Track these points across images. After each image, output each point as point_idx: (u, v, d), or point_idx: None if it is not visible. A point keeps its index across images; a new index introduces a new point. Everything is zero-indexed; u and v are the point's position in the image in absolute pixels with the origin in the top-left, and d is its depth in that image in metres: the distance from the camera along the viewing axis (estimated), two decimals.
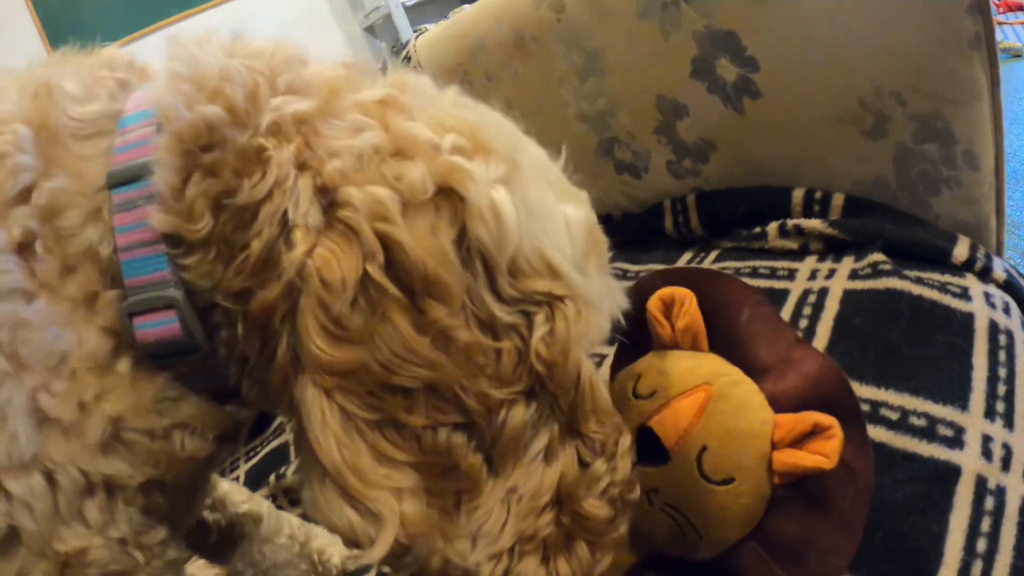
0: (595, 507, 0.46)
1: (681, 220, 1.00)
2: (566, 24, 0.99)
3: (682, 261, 0.96)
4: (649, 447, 0.53)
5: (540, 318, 0.43)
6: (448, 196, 0.41)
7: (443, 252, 0.40)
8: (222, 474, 1.14)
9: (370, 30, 3.44)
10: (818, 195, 0.86)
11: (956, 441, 0.59)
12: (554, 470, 0.45)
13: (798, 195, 0.88)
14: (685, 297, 0.57)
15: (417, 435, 0.42)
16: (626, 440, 0.49)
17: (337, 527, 0.42)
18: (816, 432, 0.50)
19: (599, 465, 0.47)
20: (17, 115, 0.45)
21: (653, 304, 0.58)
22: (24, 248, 0.43)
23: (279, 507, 0.96)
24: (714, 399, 0.52)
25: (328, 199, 0.41)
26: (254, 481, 1.08)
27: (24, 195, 0.43)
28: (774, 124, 0.86)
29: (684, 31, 0.86)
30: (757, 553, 0.52)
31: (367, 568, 0.82)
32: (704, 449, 0.50)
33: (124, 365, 0.45)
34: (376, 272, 0.39)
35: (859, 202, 0.84)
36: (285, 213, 0.41)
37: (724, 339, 0.57)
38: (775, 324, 0.58)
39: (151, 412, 0.46)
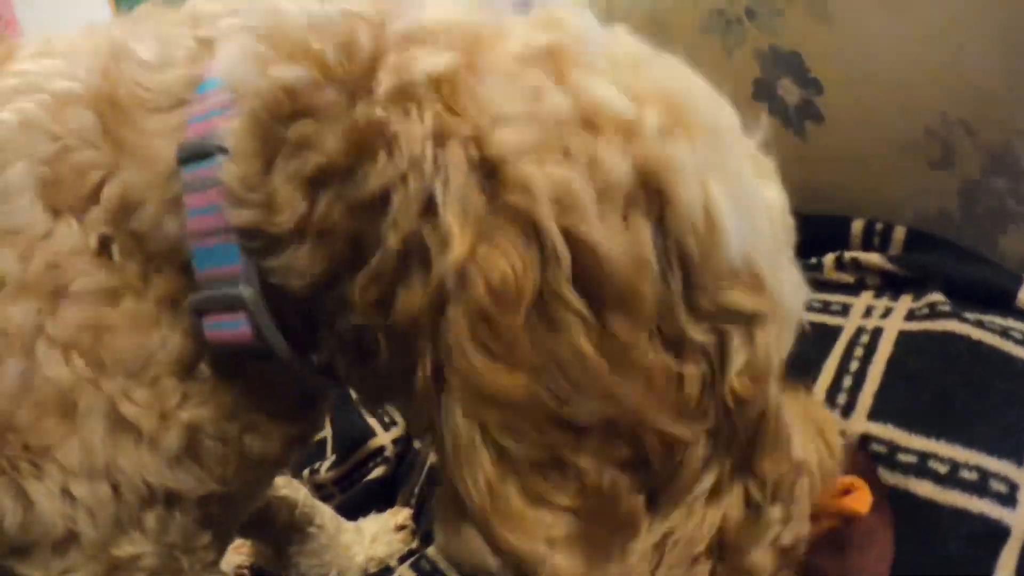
0: (761, 559, 0.39)
1: None
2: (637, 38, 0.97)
3: None
4: None
5: (737, 342, 0.35)
6: (649, 188, 0.33)
7: (643, 259, 0.32)
8: None
9: None
10: (879, 227, 0.83)
11: (1009, 499, 0.56)
12: (716, 512, 0.38)
13: (857, 226, 0.84)
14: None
15: (580, 475, 0.35)
16: (806, 483, 0.42)
17: (477, 569, 0.38)
18: (850, 491, 0.51)
19: (773, 511, 0.40)
20: (82, 95, 0.40)
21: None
22: (104, 250, 0.40)
23: None
24: None
25: (492, 178, 0.32)
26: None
27: (95, 194, 0.39)
28: (836, 150, 0.83)
29: (747, 49, 0.83)
30: None
31: (390, 571, 0.81)
32: None
33: (206, 368, 0.42)
34: (561, 282, 0.31)
35: (921, 236, 0.80)
36: (431, 197, 0.33)
37: None
38: None
39: (229, 418, 0.43)
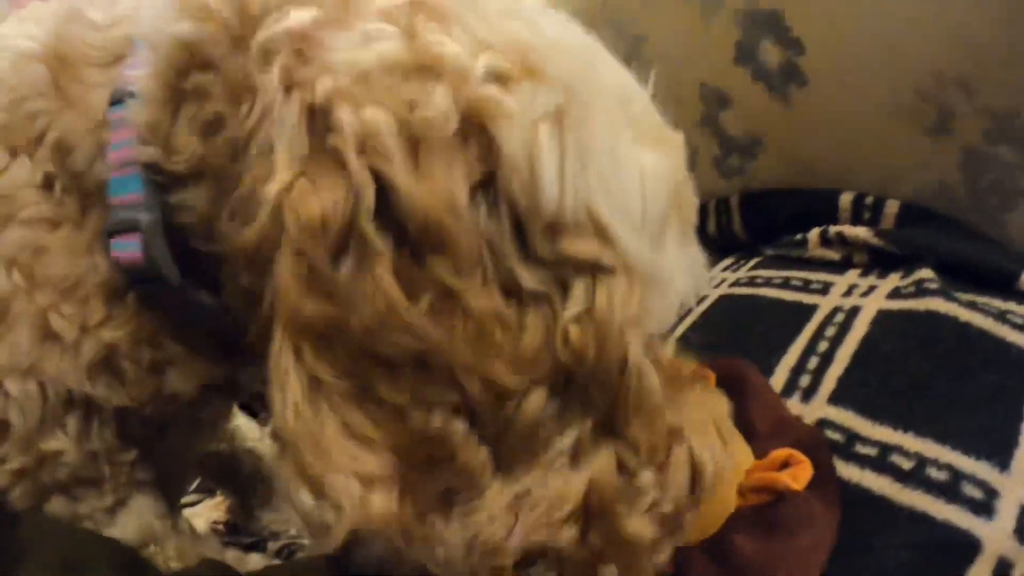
0: (639, 527, 0.36)
1: (724, 221, 0.85)
2: (611, 8, 0.86)
3: (719, 268, 0.82)
4: None
5: (578, 291, 0.33)
6: (473, 132, 0.32)
7: (451, 198, 0.31)
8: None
9: None
10: (869, 200, 0.70)
11: (984, 507, 0.43)
12: (582, 476, 0.35)
13: (846, 199, 0.71)
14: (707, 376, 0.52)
15: (403, 413, 0.33)
16: (684, 450, 0.39)
17: (294, 508, 0.34)
18: (789, 464, 0.45)
19: (646, 476, 0.37)
20: (38, 52, 0.43)
21: None
22: (48, 186, 0.42)
23: None
24: None
25: (320, 123, 0.32)
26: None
27: (42, 137, 0.42)
28: (823, 117, 0.70)
29: (726, 13, 0.71)
30: (705, 561, 0.44)
31: None
32: None
33: (132, 298, 0.43)
34: (362, 217, 0.31)
35: (916, 211, 0.67)
36: (272, 141, 0.33)
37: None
38: (777, 404, 0.53)
39: (145, 344, 0.45)
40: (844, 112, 0.68)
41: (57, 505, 0.49)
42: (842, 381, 0.53)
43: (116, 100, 0.40)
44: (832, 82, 0.67)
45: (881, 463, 0.46)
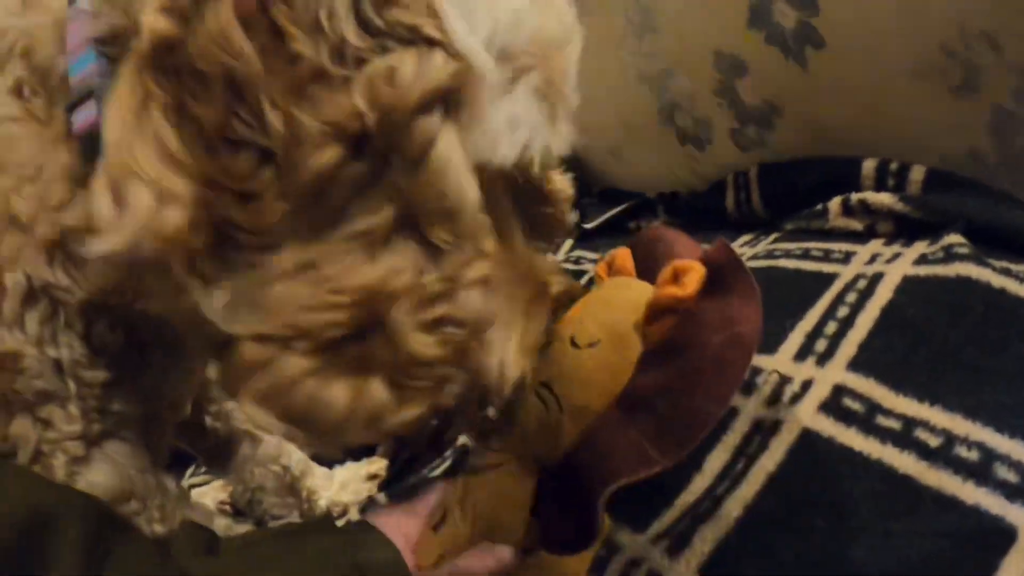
0: (419, 341, 0.33)
1: (743, 197, 0.79)
2: None
3: (738, 243, 0.76)
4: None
5: (393, 54, 0.31)
6: None
7: None
8: None
9: None
10: (893, 166, 0.63)
11: (1019, 491, 0.38)
12: (375, 268, 0.32)
13: (869, 166, 0.65)
14: (620, 252, 0.51)
15: (215, 147, 0.30)
16: (480, 269, 0.35)
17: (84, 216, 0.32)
18: (677, 277, 0.43)
19: (432, 281, 0.34)
20: None
21: (598, 267, 0.53)
22: (19, 91, 0.41)
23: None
24: (604, 286, 0.48)
25: None
26: None
27: (12, 47, 0.42)
28: (842, 81, 0.64)
29: None
30: (610, 415, 0.41)
31: (344, 515, 0.74)
32: (579, 323, 0.44)
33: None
34: None
35: (944, 176, 0.61)
36: None
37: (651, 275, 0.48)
38: (693, 246, 0.50)
39: None
40: (864, 74, 0.63)
41: (22, 427, 0.45)
42: (863, 347, 0.49)
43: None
44: (850, 42, 0.61)
45: (905, 438, 0.41)
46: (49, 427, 0.47)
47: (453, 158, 0.32)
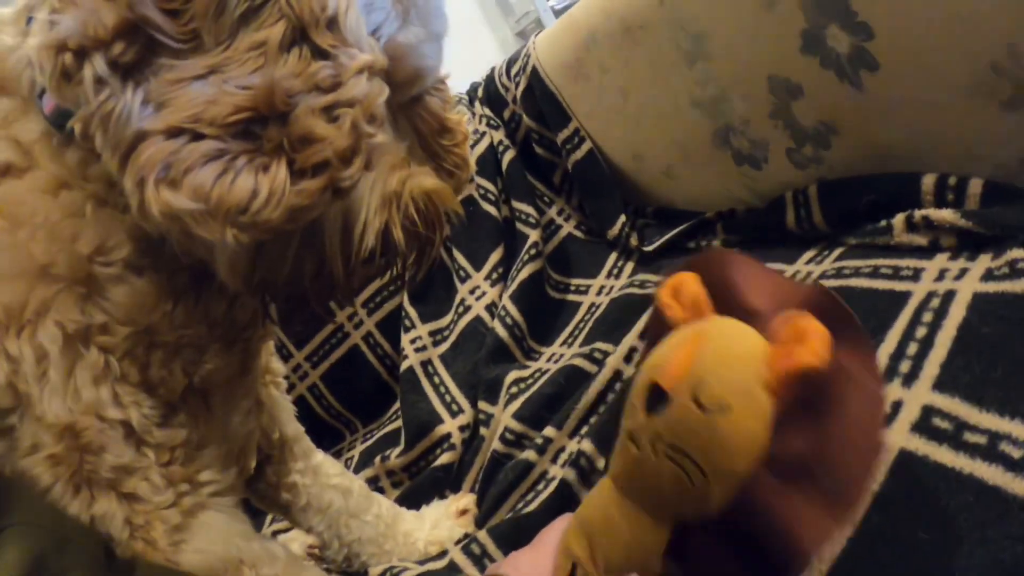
0: (314, 122, 0.39)
1: (803, 214, 0.85)
2: (669, 7, 0.86)
3: (802, 261, 0.81)
4: (654, 398, 0.46)
5: None
6: None
7: None
8: (337, 455, 1.15)
9: (521, 35, 3.34)
10: (952, 181, 0.69)
11: None
12: (272, 68, 0.38)
13: (929, 182, 0.71)
14: (687, 278, 0.51)
15: None
16: (362, 61, 0.41)
17: None
18: (802, 340, 0.42)
19: (321, 71, 0.39)
20: None
21: (663, 293, 0.52)
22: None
23: (380, 488, 0.97)
24: (706, 335, 0.47)
25: None
26: (364, 461, 1.06)
27: None
28: (898, 100, 0.69)
29: (789, 0, 0.71)
30: (766, 481, 0.42)
31: (445, 554, 0.77)
32: (700, 382, 0.44)
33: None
34: None
35: (1002, 188, 0.66)
36: None
37: (728, 307, 0.50)
38: (771, 277, 0.52)
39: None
40: (919, 94, 0.68)
41: (105, 507, 0.48)
42: (945, 367, 0.53)
43: (30, 18, 0.43)
44: (904, 64, 0.66)
45: (991, 452, 0.46)
46: (136, 501, 0.49)
47: None
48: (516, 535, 0.70)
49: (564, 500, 0.70)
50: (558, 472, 0.75)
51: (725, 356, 0.45)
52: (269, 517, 1.07)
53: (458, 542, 0.78)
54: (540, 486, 0.76)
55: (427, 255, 0.53)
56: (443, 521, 0.83)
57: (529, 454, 0.81)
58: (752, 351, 0.44)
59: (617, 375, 0.83)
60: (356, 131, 0.40)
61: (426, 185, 0.49)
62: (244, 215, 0.37)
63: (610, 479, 0.51)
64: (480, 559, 0.72)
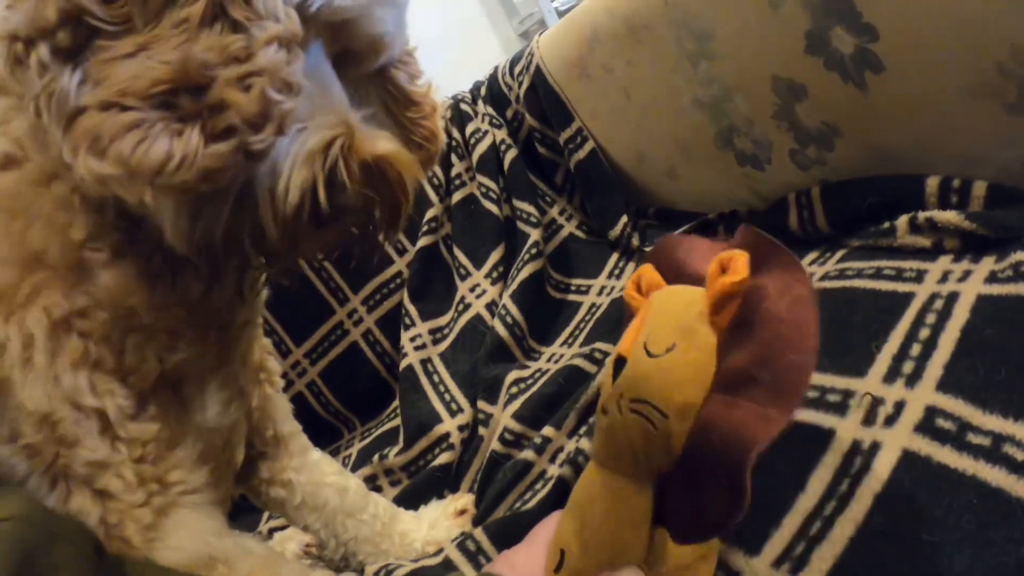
0: (226, 92, 0.41)
1: (806, 216, 0.85)
2: (673, 7, 0.86)
3: (805, 262, 0.81)
4: (618, 370, 0.51)
5: None
6: None
7: None
8: (335, 453, 1.15)
9: (525, 35, 3.34)
10: (956, 183, 0.69)
11: None
12: (191, 44, 0.41)
13: (933, 184, 0.71)
14: (645, 269, 0.56)
15: None
16: (272, 31, 0.43)
17: None
18: (724, 268, 0.47)
19: (236, 43, 0.42)
20: None
21: (627, 288, 0.57)
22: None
23: (377, 487, 0.96)
24: (652, 302, 0.52)
25: None
26: (362, 460, 1.06)
27: None
28: (902, 101, 0.69)
29: (793, 1, 0.71)
30: (715, 398, 0.45)
31: (441, 551, 0.78)
32: (647, 336, 0.49)
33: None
34: None
35: (1006, 191, 0.66)
36: None
37: (680, 281, 0.55)
38: (710, 244, 0.56)
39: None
40: (923, 95, 0.68)
41: (80, 503, 0.50)
42: (948, 368, 0.53)
43: None
44: (909, 66, 0.66)
45: (994, 453, 0.46)
46: (110, 498, 0.50)
47: None
48: (511, 532, 0.70)
49: (560, 497, 0.70)
50: (556, 471, 0.75)
51: (666, 307, 0.50)
52: (265, 515, 1.07)
53: (454, 539, 0.78)
54: (538, 485, 0.76)
55: (396, 218, 0.55)
56: (441, 521, 0.82)
57: (528, 454, 0.81)
58: (690, 298, 0.49)
59: None
60: (264, 98, 0.42)
61: (377, 149, 0.51)
62: (160, 177, 0.41)
63: (592, 461, 0.53)
64: (475, 556, 0.72)
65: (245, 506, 0.91)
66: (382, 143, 0.51)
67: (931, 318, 0.59)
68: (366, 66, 0.56)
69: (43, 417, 0.48)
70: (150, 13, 0.41)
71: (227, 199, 0.47)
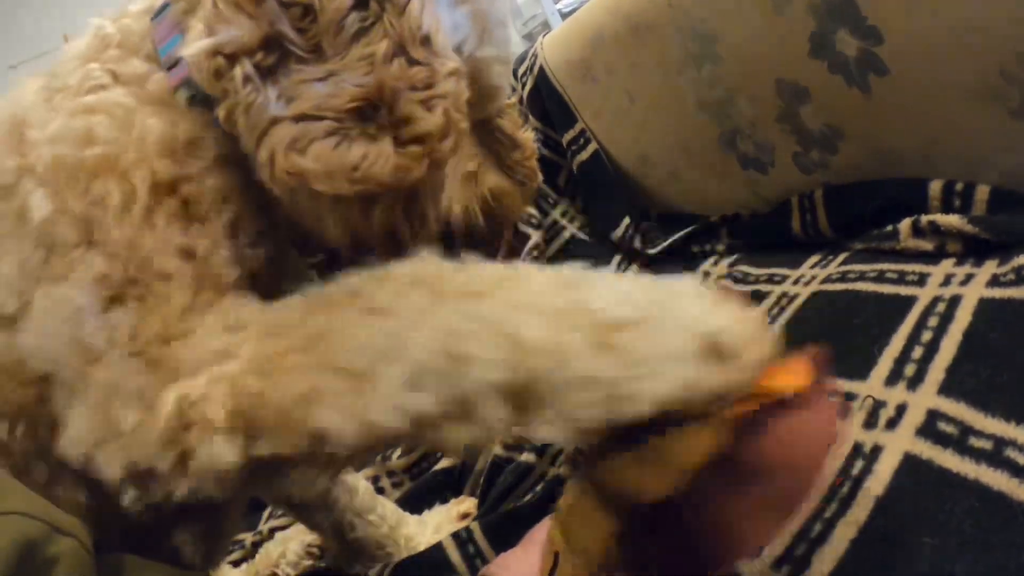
0: (414, 108, 0.48)
1: (809, 219, 0.85)
2: (677, 9, 0.87)
3: (807, 265, 0.82)
4: None
5: None
6: None
7: None
8: None
9: (528, 37, 3.34)
10: (959, 187, 0.69)
11: None
12: (377, 75, 0.47)
13: (936, 187, 0.71)
14: None
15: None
16: (452, 66, 0.50)
17: None
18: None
19: (414, 70, 0.48)
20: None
21: None
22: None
23: (380, 488, 0.96)
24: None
25: None
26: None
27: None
28: (905, 105, 0.70)
29: (798, 4, 0.71)
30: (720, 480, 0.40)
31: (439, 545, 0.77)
32: None
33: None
34: None
35: (1009, 195, 0.67)
36: None
37: None
38: None
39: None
40: (927, 99, 0.68)
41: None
42: (951, 371, 0.54)
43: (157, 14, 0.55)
44: (913, 69, 0.67)
45: (996, 457, 0.47)
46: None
47: (426, 7, 0.49)
48: (506, 529, 0.71)
49: (557, 496, 0.71)
50: (556, 472, 0.75)
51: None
52: (265, 514, 1.07)
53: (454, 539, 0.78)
54: (539, 487, 0.76)
55: (498, 246, 0.64)
56: (445, 526, 0.83)
57: (528, 456, 0.81)
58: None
59: None
60: (447, 116, 0.49)
61: (491, 182, 0.61)
62: (356, 172, 0.46)
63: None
64: (465, 543, 0.73)
65: (250, 503, 0.91)
66: (496, 178, 0.61)
67: (933, 321, 0.59)
68: (480, 112, 0.62)
69: (128, 243, 0.48)
70: (339, 45, 0.47)
71: (399, 199, 0.53)
